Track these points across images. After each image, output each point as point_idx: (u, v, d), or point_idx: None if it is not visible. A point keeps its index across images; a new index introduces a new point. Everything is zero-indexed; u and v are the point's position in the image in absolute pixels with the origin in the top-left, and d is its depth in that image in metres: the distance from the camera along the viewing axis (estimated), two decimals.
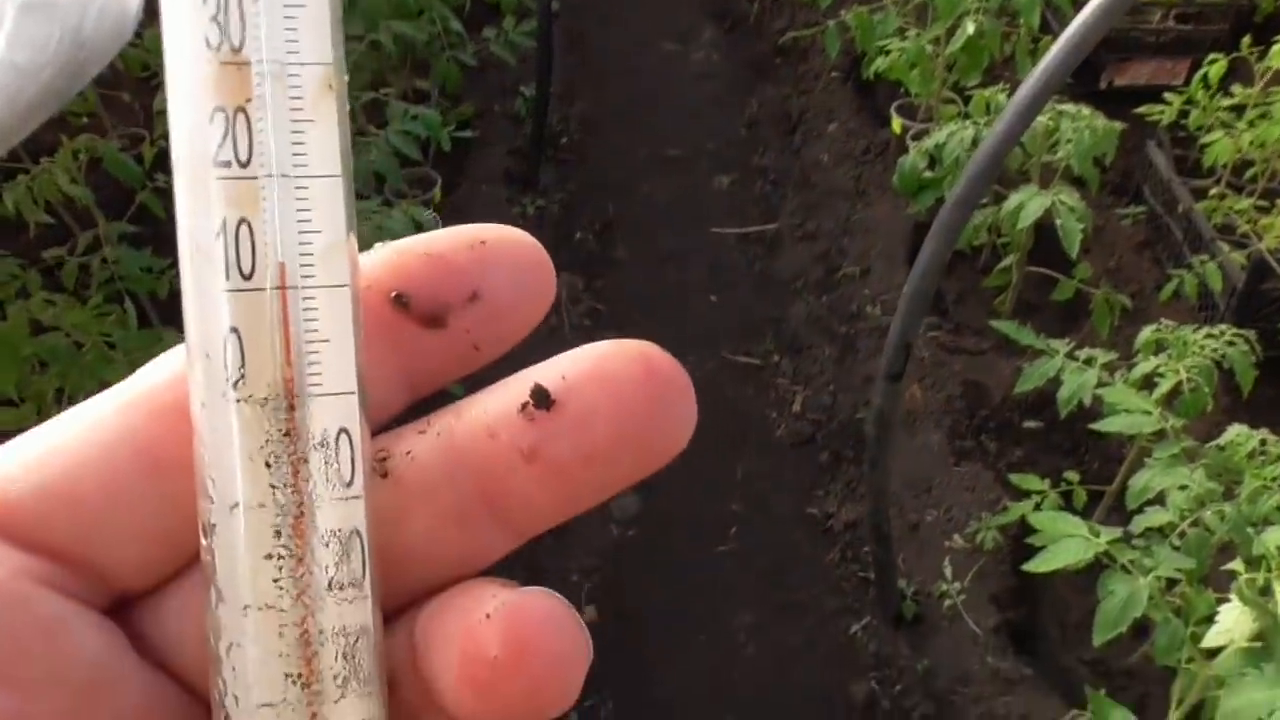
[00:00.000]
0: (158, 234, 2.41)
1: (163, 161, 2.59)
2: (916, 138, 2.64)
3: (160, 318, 2.25)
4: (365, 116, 2.86)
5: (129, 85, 2.95)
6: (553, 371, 0.26)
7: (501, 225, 0.28)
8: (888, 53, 2.64)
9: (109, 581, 0.26)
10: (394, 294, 0.27)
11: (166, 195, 2.41)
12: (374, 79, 3.01)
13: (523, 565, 2.26)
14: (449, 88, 3.22)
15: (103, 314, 1.77)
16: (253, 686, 0.24)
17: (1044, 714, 1.90)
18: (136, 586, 0.26)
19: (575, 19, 4.19)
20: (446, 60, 3.13)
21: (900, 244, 2.87)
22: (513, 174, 3.39)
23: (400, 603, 0.27)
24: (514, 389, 0.26)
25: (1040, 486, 1.95)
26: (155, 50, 2.73)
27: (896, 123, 3.06)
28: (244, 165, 0.23)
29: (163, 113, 2.59)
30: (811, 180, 3.31)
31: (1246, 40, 2.34)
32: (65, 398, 1.61)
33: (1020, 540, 1.91)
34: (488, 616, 0.24)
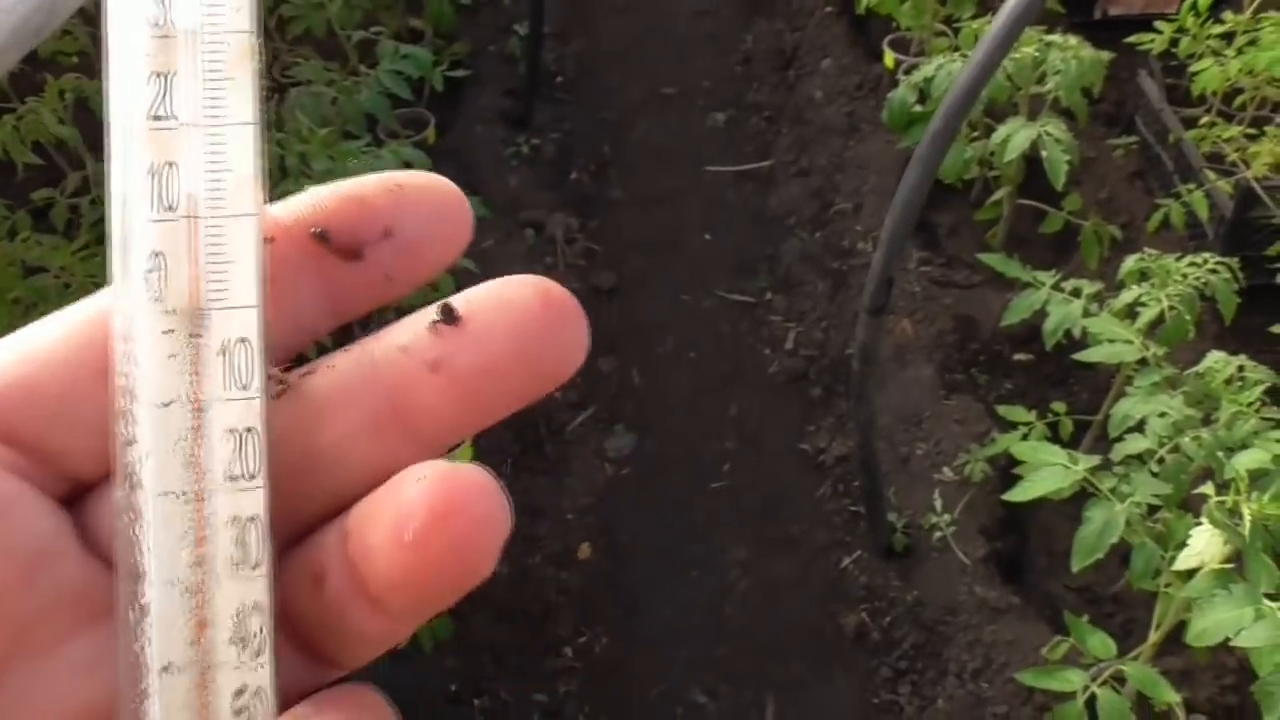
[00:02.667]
0: None
1: None
2: (909, 72, 2.62)
3: None
4: (358, 55, 2.84)
5: None
6: (461, 296, 0.29)
7: (424, 173, 0.31)
8: None
9: (64, 469, 0.29)
10: (316, 229, 0.30)
11: None
12: (366, 18, 3.00)
13: (518, 505, 2.28)
14: (443, 27, 3.21)
15: (91, 255, 1.79)
16: (157, 562, 0.27)
17: (1030, 641, 1.94)
18: (89, 476, 0.29)
19: None
20: None
21: (893, 179, 2.86)
22: (507, 114, 3.37)
23: (322, 505, 0.30)
24: (428, 312, 0.29)
25: (1027, 418, 1.96)
26: None
27: (889, 57, 3.03)
28: (170, 116, 0.27)
29: None
30: (805, 116, 3.30)
31: None
32: None
33: (1008, 471, 1.93)
34: (421, 479, 0.27)
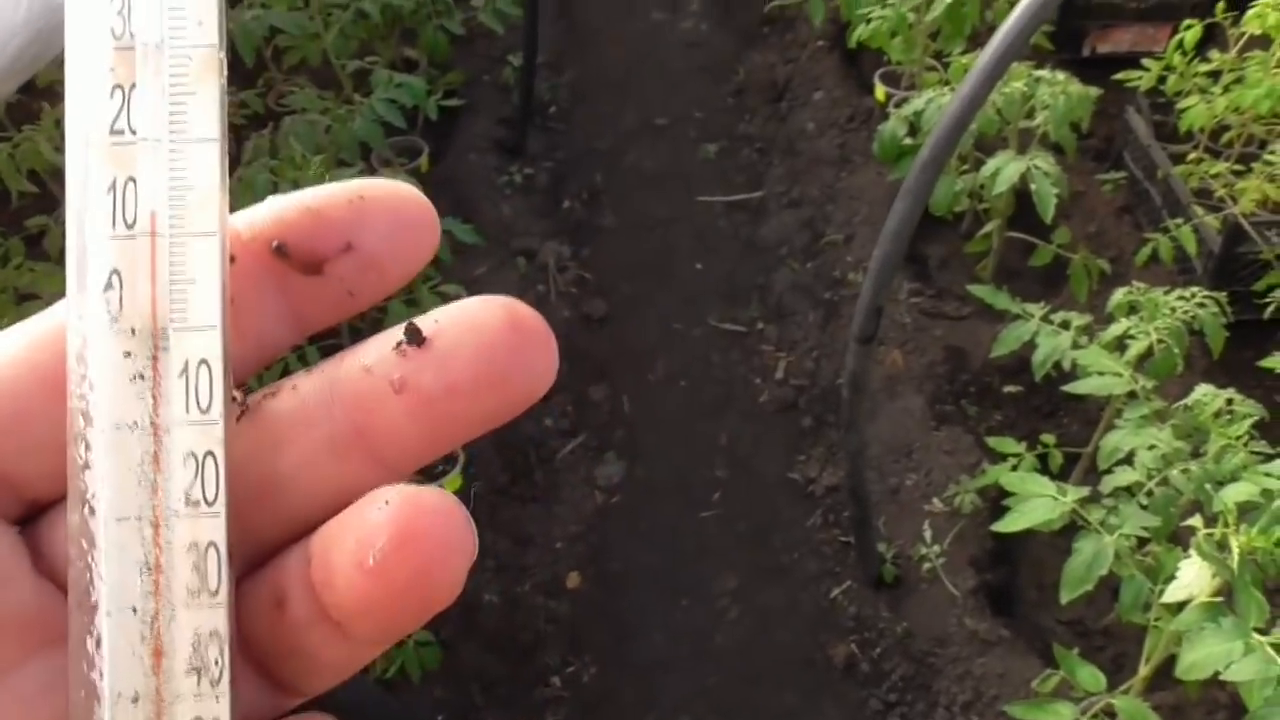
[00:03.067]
0: None
1: None
2: (900, 105, 2.64)
3: None
4: (352, 85, 2.86)
5: None
6: (428, 317, 0.29)
7: (389, 181, 0.30)
8: (870, 20, 2.64)
9: (17, 489, 0.28)
10: (275, 243, 0.29)
11: None
12: (361, 48, 3.01)
13: (508, 534, 2.29)
14: (437, 56, 3.22)
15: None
16: (111, 589, 0.27)
17: (1021, 674, 1.94)
18: (44, 496, 0.29)
19: None
20: (434, 29, 3.13)
21: (884, 211, 2.87)
22: (501, 142, 3.39)
23: (284, 529, 0.29)
24: (393, 333, 0.29)
25: (1017, 449, 1.97)
26: None
27: (880, 90, 3.06)
28: (133, 133, 0.27)
29: None
30: (797, 148, 3.32)
31: (1221, 5, 2.34)
32: None
33: (998, 503, 1.94)
34: (385, 503, 0.27)
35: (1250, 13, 2.20)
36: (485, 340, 0.28)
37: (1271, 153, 2.32)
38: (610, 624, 2.21)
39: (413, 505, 0.27)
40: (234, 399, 0.29)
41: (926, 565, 2.15)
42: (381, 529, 0.26)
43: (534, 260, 2.99)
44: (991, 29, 2.72)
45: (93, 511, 0.27)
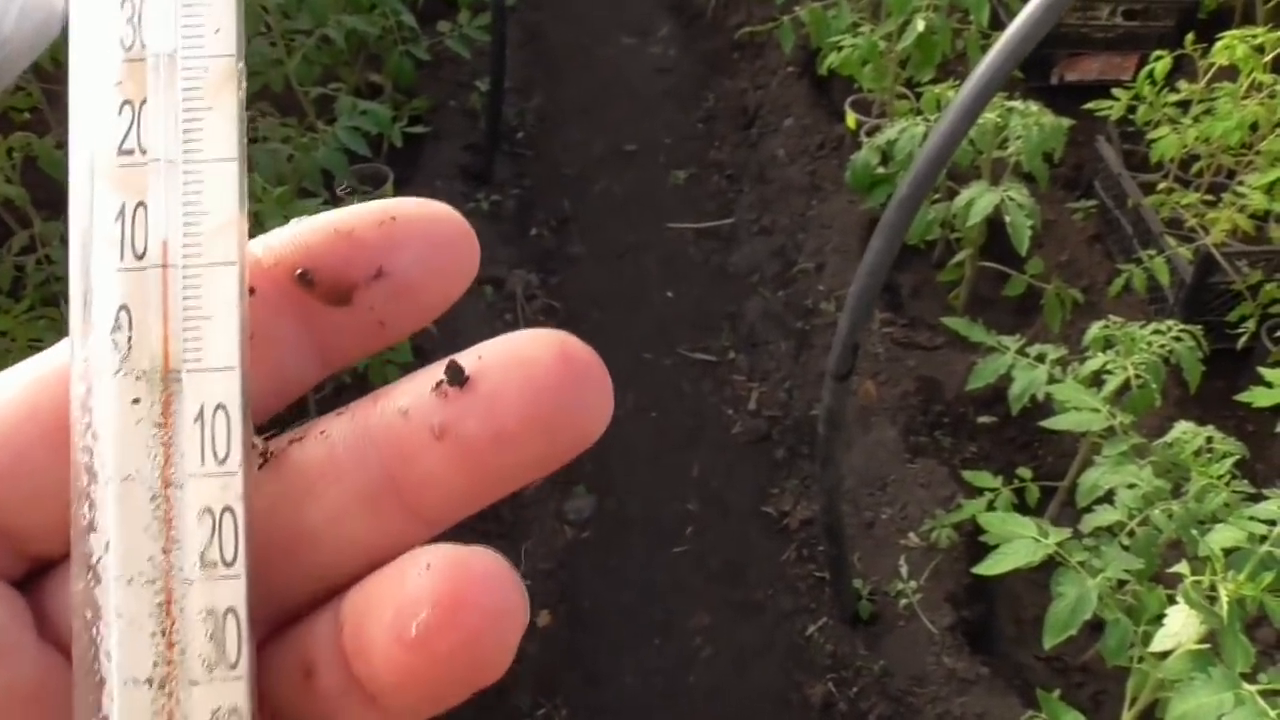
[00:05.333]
0: None
1: None
2: (871, 133, 2.63)
3: None
4: (315, 112, 2.81)
5: None
6: (471, 353, 0.26)
7: (422, 200, 0.27)
8: (841, 49, 2.63)
9: (19, 547, 0.26)
10: (299, 271, 0.26)
11: None
12: (325, 74, 2.97)
13: None
14: (402, 82, 3.18)
15: (37, 317, 1.73)
16: (120, 662, 0.24)
17: (1000, 714, 1.91)
18: (48, 553, 0.26)
19: (532, 12, 4.16)
20: (399, 55, 3.09)
21: (855, 239, 2.87)
22: (468, 169, 3.35)
23: (314, 589, 0.27)
24: (432, 371, 0.26)
25: (993, 484, 1.94)
26: None
27: (851, 118, 3.05)
28: (140, 150, 0.24)
29: None
30: (767, 175, 3.30)
31: (1190, 37, 2.34)
32: None
33: (975, 537, 1.91)
34: (427, 567, 0.24)
35: (1219, 44, 2.20)
36: (534, 379, 0.25)
37: (1241, 183, 2.32)
38: (582, 664, 2.16)
39: (459, 570, 0.24)
40: (254, 445, 0.26)
41: (903, 601, 2.12)
42: (423, 597, 0.24)
43: (501, 289, 2.95)
44: (962, 57, 2.72)
45: (98, 579, 0.24)
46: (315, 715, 0.26)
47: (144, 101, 0.24)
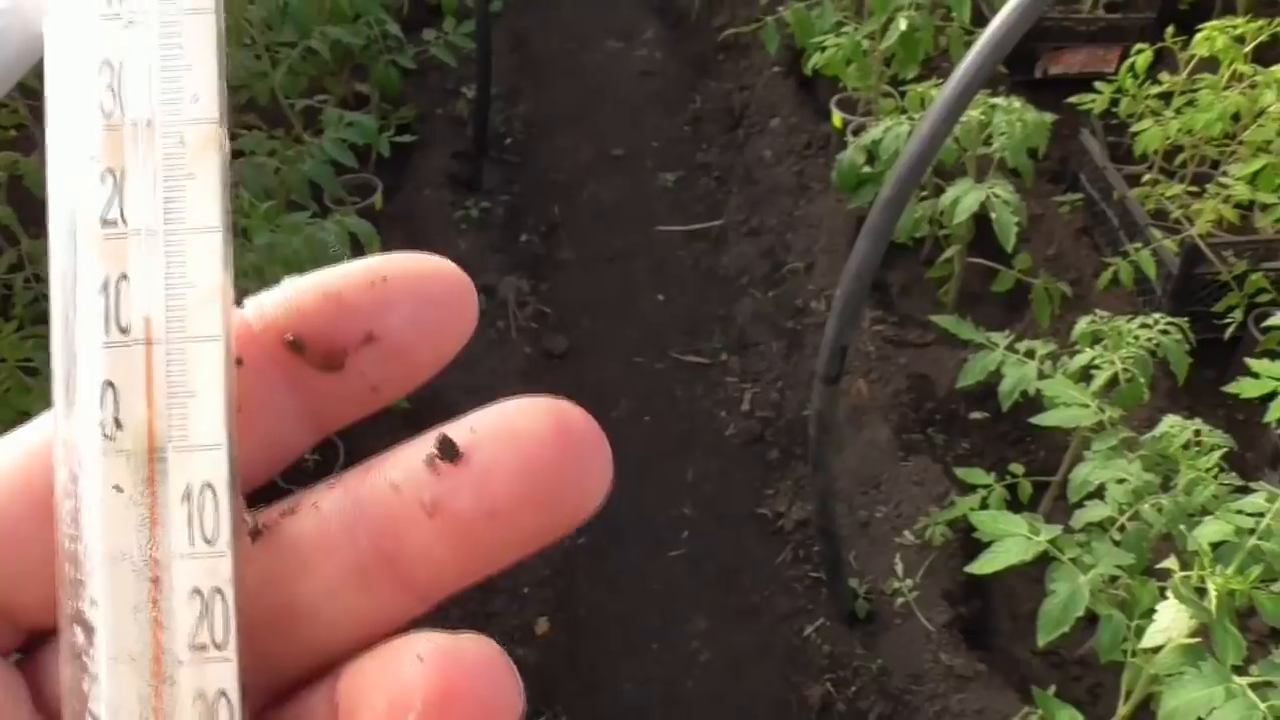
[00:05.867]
0: None
1: None
2: (856, 132, 2.63)
3: None
4: (302, 124, 2.81)
5: None
6: (463, 424, 0.26)
7: (414, 255, 0.27)
8: (825, 48, 2.63)
9: (15, 619, 0.26)
10: (289, 337, 0.26)
11: None
12: (311, 85, 2.97)
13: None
14: (389, 91, 3.18)
15: (26, 336, 1.73)
16: None
17: (999, 710, 1.91)
18: (43, 625, 0.26)
19: (517, 18, 4.16)
20: (385, 64, 3.09)
21: (843, 238, 2.87)
22: (456, 177, 3.35)
23: (309, 662, 0.26)
24: (424, 442, 0.26)
25: (986, 480, 1.95)
26: None
27: (837, 117, 3.05)
28: (121, 221, 0.24)
29: None
30: (755, 176, 3.31)
31: (1170, 30, 2.35)
32: None
33: (969, 535, 1.91)
34: (419, 659, 0.24)
35: (1199, 36, 2.21)
36: (528, 453, 0.25)
37: (1224, 173, 2.33)
38: (581, 671, 2.17)
39: (451, 661, 0.24)
40: (244, 520, 0.26)
41: (899, 599, 2.12)
42: (415, 690, 0.24)
43: (493, 296, 2.95)
44: (945, 54, 2.73)
45: (85, 666, 0.24)
46: None
47: (124, 170, 0.24)
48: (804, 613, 2.22)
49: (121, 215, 0.24)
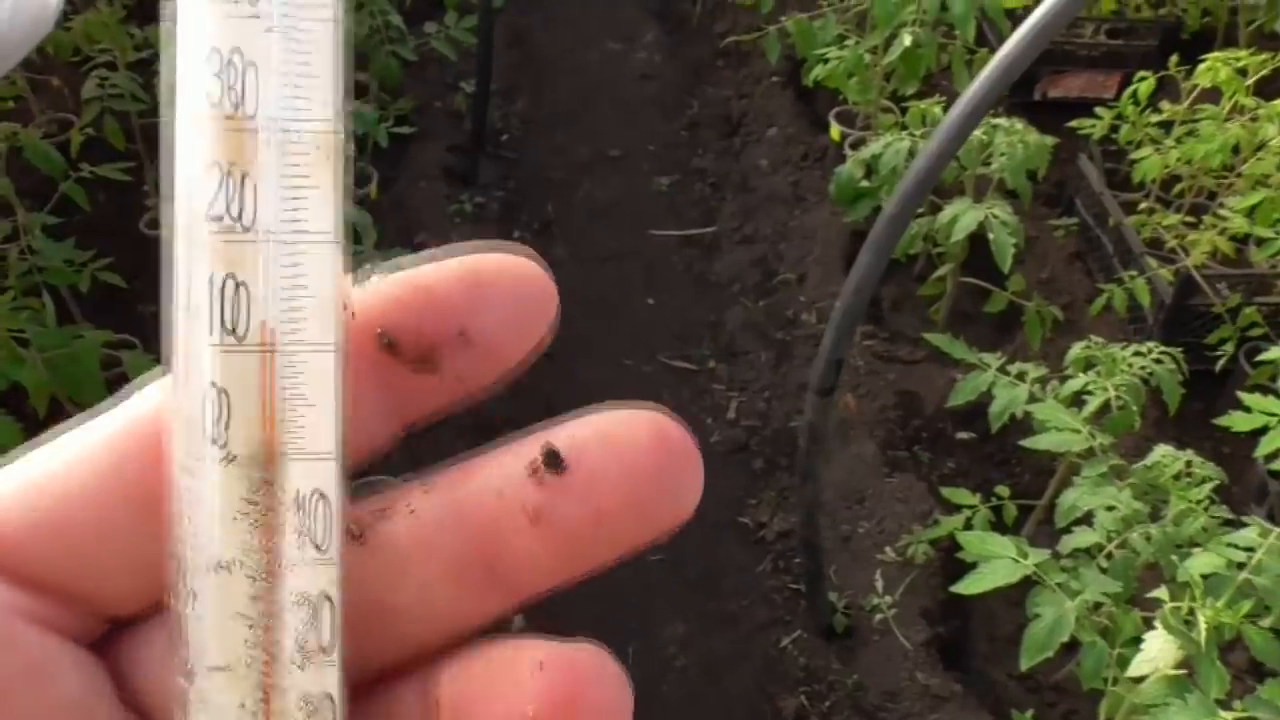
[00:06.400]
0: (81, 225, 2.33)
1: (89, 151, 2.51)
2: (855, 145, 2.63)
3: (82, 312, 2.18)
4: None
5: (59, 70, 2.86)
6: (563, 433, 0.26)
7: (502, 254, 0.27)
8: (827, 61, 2.63)
9: (99, 611, 0.26)
10: (382, 336, 0.26)
11: (90, 185, 2.34)
12: None
13: None
14: (388, 82, 3.17)
15: (20, 307, 1.71)
16: None
17: None
18: (126, 613, 0.26)
19: (519, 15, 4.14)
20: (386, 55, 3.07)
21: (837, 251, 2.87)
22: (452, 170, 3.34)
23: (394, 659, 0.27)
24: (524, 450, 0.26)
25: (971, 501, 1.95)
26: (87, 35, 2.65)
27: (835, 130, 3.05)
28: (239, 223, 0.23)
29: (91, 100, 2.49)
30: (750, 184, 3.30)
31: (1174, 59, 2.36)
32: None
33: (951, 554, 1.91)
34: (540, 666, 0.25)
35: (1203, 66, 2.22)
36: (631, 464, 0.26)
37: (1222, 205, 2.33)
38: None
39: (568, 670, 0.25)
40: (348, 530, 0.26)
41: (878, 616, 2.12)
42: (535, 698, 0.25)
43: None
44: (945, 71, 2.73)
45: (194, 672, 0.24)
46: None
47: (246, 173, 0.23)
48: (782, 624, 2.21)
49: (240, 218, 0.23)
